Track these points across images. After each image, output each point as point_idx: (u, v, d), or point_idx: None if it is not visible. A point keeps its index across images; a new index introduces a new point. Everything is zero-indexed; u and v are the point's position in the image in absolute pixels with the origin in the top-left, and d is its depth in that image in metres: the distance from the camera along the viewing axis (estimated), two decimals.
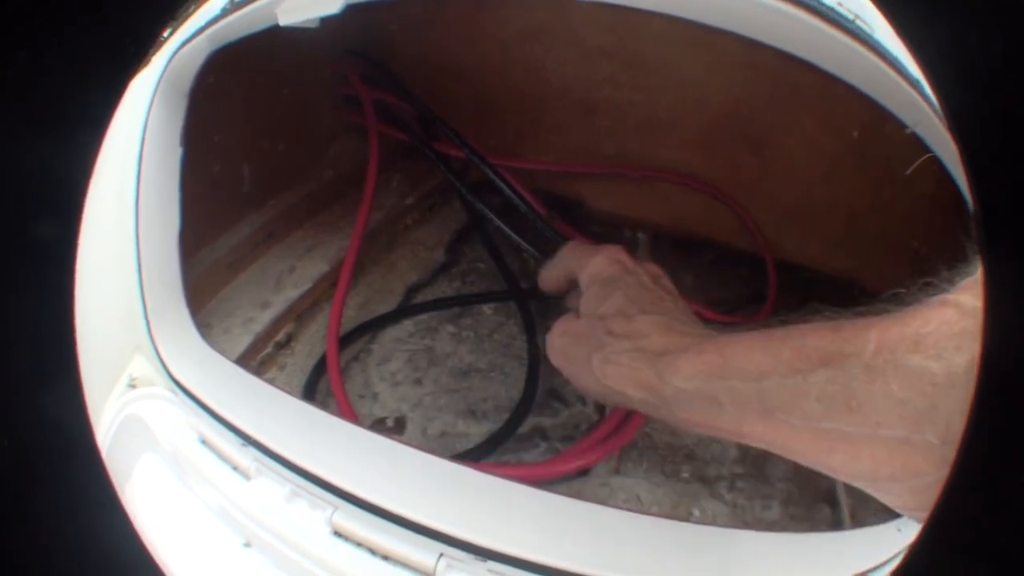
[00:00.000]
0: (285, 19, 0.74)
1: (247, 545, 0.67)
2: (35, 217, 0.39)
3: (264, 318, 1.09)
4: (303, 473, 0.70)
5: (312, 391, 1.03)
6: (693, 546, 0.63)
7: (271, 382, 0.92)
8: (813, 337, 0.51)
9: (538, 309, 1.18)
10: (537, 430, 1.00)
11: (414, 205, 1.47)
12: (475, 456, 0.93)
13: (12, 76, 0.35)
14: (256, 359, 1.06)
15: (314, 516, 0.67)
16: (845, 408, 0.47)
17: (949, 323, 0.42)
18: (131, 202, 0.83)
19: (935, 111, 0.51)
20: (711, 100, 1.36)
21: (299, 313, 1.16)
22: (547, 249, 1.14)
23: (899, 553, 0.57)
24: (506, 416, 0.99)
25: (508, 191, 1.16)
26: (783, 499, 0.91)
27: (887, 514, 0.71)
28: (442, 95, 1.36)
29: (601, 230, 1.46)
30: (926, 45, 0.36)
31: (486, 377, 1.11)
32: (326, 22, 0.73)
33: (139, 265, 0.84)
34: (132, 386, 0.83)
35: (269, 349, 1.09)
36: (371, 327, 1.18)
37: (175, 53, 0.82)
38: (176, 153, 0.87)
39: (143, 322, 0.84)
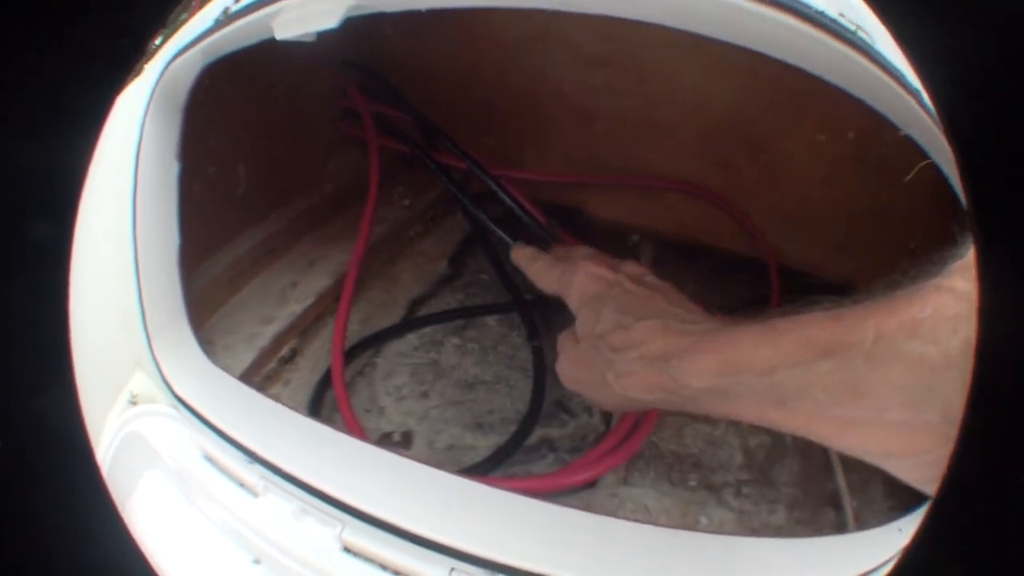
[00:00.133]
0: (282, 33, 0.73)
1: (256, 562, 0.67)
2: (29, 217, 0.38)
3: (267, 333, 1.08)
4: (311, 490, 0.69)
5: (318, 406, 1.02)
6: (701, 556, 0.63)
7: (276, 398, 0.92)
8: (813, 328, 0.53)
9: (543, 320, 1.18)
10: (545, 441, 0.99)
11: (416, 217, 1.47)
12: (483, 469, 0.92)
13: (3, 73, 0.34)
14: (260, 374, 1.05)
15: (323, 532, 0.66)
16: (849, 396, 0.49)
17: (944, 307, 0.44)
18: (128, 218, 0.83)
19: (932, 118, 0.51)
20: (710, 106, 1.36)
21: (303, 328, 1.15)
22: None
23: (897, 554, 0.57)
24: (513, 428, 0.99)
25: (509, 201, 1.16)
26: (788, 504, 0.90)
27: (889, 515, 0.71)
28: (441, 106, 1.35)
29: (603, 238, 1.46)
30: (921, 49, 0.36)
31: (492, 389, 1.10)
32: (323, 35, 0.73)
33: (138, 281, 0.83)
34: (133, 403, 0.82)
35: (273, 364, 1.08)
36: (375, 341, 1.17)
37: (168, 65, 0.81)
38: (173, 168, 0.87)
39: (144, 339, 0.83)
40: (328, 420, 0.99)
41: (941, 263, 0.46)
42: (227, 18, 0.77)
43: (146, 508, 0.74)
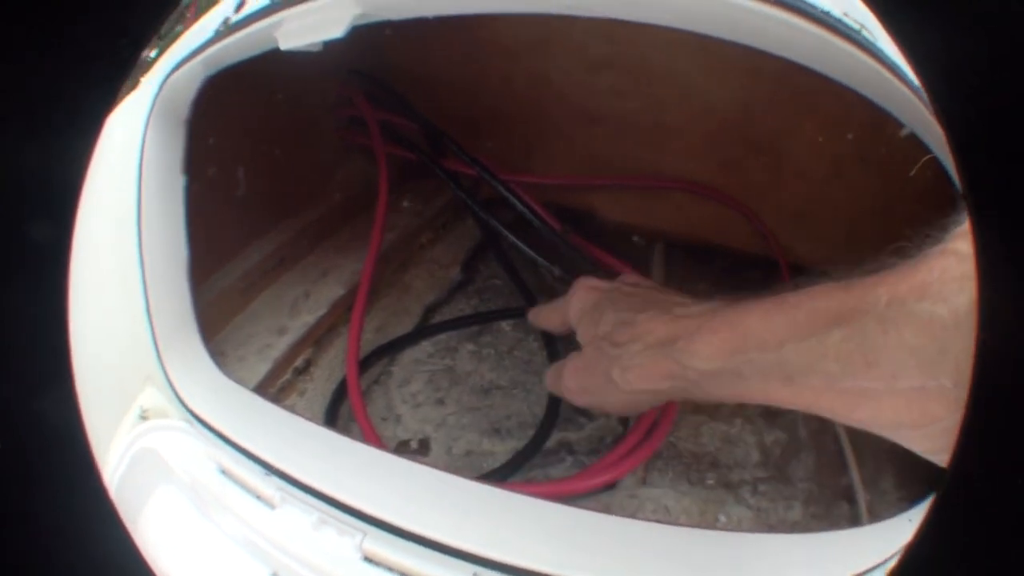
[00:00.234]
0: (286, 43, 0.73)
1: (275, 575, 0.67)
2: (28, 217, 0.38)
3: (281, 344, 1.08)
4: (329, 500, 0.69)
5: (334, 416, 1.02)
6: (722, 555, 0.63)
7: (291, 408, 0.91)
8: (825, 298, 0.53)
9: None
10: (563, 445, 0.99)
11: (426, 224, 1.47)
12: (502, 474, 0.91)
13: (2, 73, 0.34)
14: (275, 386, 1.05)
15: (343, 543, 0.66)
16: (863, 365, 0.49)
17: (950, 269, 0.44)
18: (133, 233, 0.83)
19: (932, 112, 0.51)
20: (716, 106, 1.36)
21: (317, 338, 1.15)
22: (562, 263, 1.13)
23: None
24: (531, 432, 0.98)
25: (520, 206, 1.16)
26: (804, 499, 0.90)
27: (900, 506, 0.70)
28: (448, 112, 1.35)
29: (613, 241, 1.45)
30: (917, 48, 0.37)
31: (508, 394, 1.09)
32: (329, 45, 0.72)
33: (146, 296, 0.83)
34: (144, 418, 0.82)
35: (288, 375, 1.08)
36: (390, 349, 1.16)
37: (167, 77, 0.81)
38: (179, 181, 0.87)
39: (154, 353, 0.83)
40: (345, 430, 0.99)
41: (943, 231, 0.46)
42: (227, 29, 0.77)
43: (159, 524, 0.73)
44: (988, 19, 0.32)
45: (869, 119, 1.19)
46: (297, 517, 0.69)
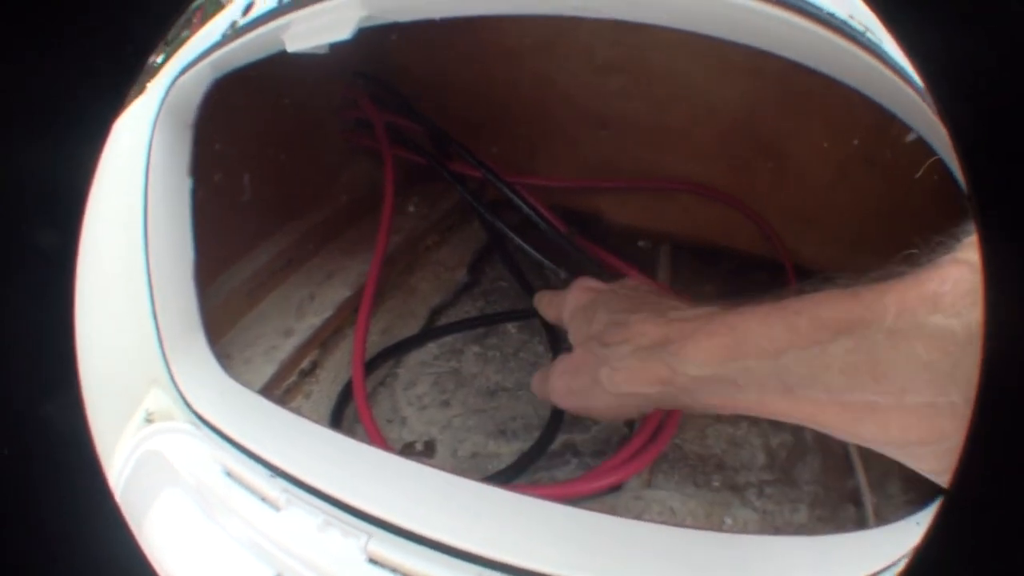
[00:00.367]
0: (293, 45, 0.73)
1: None
2: (33, 221, 0.38)
3: (287, 346, 1.08)
4: (335, 502, 0.69)
5: (339, 418, 1.02)
6: (727, 557, 0.63)
7: (297, 411, 0.92)
8: (829, 306, 0.51)
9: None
10: (568, 446, 0.99)
11: (432, 227, 1.47)
12: (507, 476, 0.91)
13: (8, 75, 0.35)
14: (281, 388, 1.05)
15: (348, 544, 0.66)
16: (870, 378, 0.47)
17: (963, 281, 0.42)
18: (139, 236, 0.83)
19: (936, 113, 0.51)
20: (721, 108, 1.35)
21: (323, 340, 1.15)
22: (568, 265, 1.13)
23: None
24: (536, 434, 0.98)
25: (527, 209, 1.16)
26: (810, 502, 0.90)
27: (907, 510, 0.70)
28: (453, 114, 1.35)
29: (619, 243, 1.45)
30: (919, 48, 0.36)
31: (514, 396, 1.09)
32: (335, 47, 0.72)
33: (152, 298, 0.83)
34: (149, 421, 0.82)
35: (294, 378, 1.08)
36: (396, 351, 1.17)
37: (174, 81, 0.81)
38: (185, 184, 0.87)
39: (160, 356, 0.83)
40: (350, 431, 0.99)
41: (955, 238, 0.45)
42: (235, 32, 0.77)
43: (164, 526, 0.73)
44: (989, 19, 0.32)
45: (874, 121, 1.18)
46: (302, 519, 0.69)
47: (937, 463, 0.46)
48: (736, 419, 1.01)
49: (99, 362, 0.83)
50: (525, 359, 1.17)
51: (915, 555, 0.44)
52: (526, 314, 1.24)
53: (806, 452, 0.96)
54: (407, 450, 1.00)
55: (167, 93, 0.82)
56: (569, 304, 0.81)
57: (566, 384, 0.77)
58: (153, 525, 0.73)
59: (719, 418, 1.01)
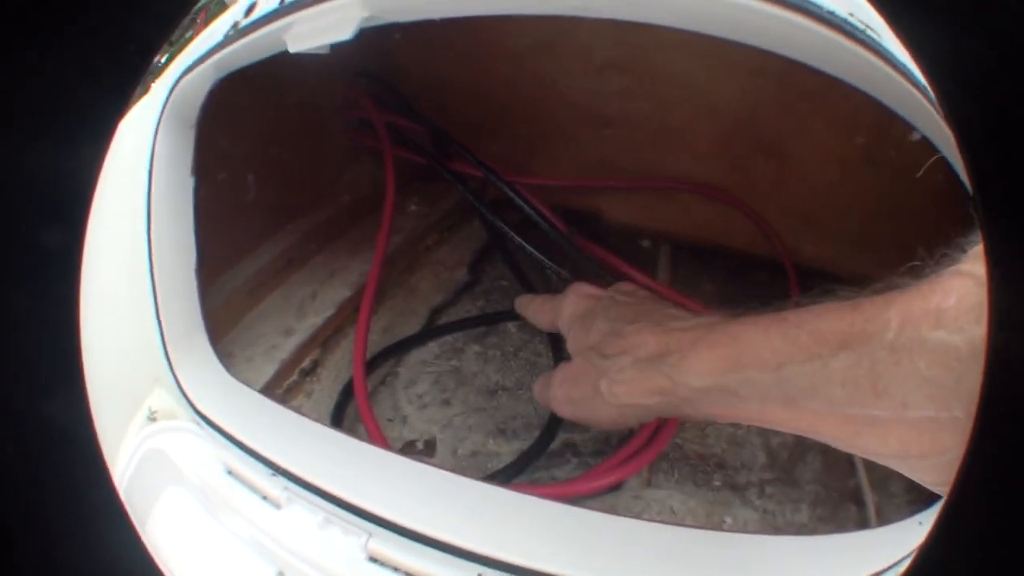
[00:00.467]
0: (295, 46, 0.73)
1: (281, 574, 0.67)
2: (38, 220, 0.39)
3: (288, 345, 1.08)
4: (335, 500, 0.69)
5: (340, 417, 1.02)
6: (727, 556, 0.63)
7: (298, 409, 0.92)
8: (830, 319, 0.50)
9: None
10: (568, 446, 0.99)
11: (433, 226, 1.47)
12: (508, 475, 0.92)
13: (11, 76, 0.35)
14: (282, 387, 1.06)
15: (348, 543, 0.66)
16: (871, 392, 0.46)
17: (967, 295, 0.42)
18: (142, 235, 0.83)
19: (939, 112, 0.51)
20: (723, 108, 1.36)
21: (324, 339, 1.15)
22: (568, 264, 1.13)
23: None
24: (536, 433, 0.98)
25: (527, 208, 1.16)
26: (811, 501, 0.90)
27: (909, 509, 0.70)
28: (453, 114, 1.35)
29: (619, 243, 1.46)
30: (924, 48, 0.36)
31: (514, 395, 1.10)
32: (337, 47, 0.72)
33: (155, 298, 0.83)
34: (152, 419, 0.82)
35: (295, 377, 1.08)
36: (397, 350, 1.17)
37: (177, 81, 0.81)
38: (188, 183, 0.87)
39: (163, 355, 0.84)
40: (351, 430, 0.99)
41: (959, 249, 0.44)
42: (237, 32, 0.77)
43: (167, 524, 0.73)
44: (992, 18, 0.32)
45: (876, 121, 1.19)
46: (303, 517, 0.69)
47: (937, 475, 0.46)
48: None
49: (103, 361, 0.83)
50: (525, 358, 1.17)
51: (918, 555, 0.44)
52: None
53: (807, 451, 0.96)
54: (408, 449, 1.00)
55: (171, 93, 0.82)
56: (566, 311, 0.80)
57: (566, 393, 0.76)
58: (157, 523, 0.73)
59: None
